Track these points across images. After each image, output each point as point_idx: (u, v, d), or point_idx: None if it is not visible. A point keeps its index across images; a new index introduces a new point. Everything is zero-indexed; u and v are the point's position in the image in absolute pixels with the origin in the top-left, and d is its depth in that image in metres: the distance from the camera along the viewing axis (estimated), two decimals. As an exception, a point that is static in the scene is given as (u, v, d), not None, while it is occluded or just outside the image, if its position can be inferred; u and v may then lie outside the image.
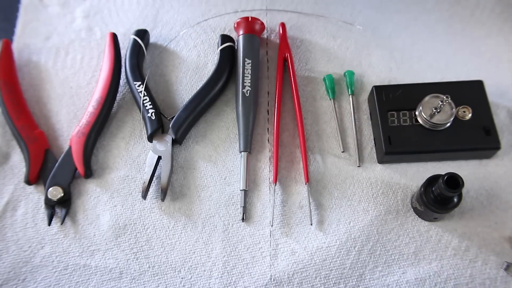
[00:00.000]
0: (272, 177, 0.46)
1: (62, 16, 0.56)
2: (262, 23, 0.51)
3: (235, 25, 0.51)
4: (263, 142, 0.48)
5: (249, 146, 0.46)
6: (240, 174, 0.46)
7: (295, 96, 0.48)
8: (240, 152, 0.46)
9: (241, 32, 0.51)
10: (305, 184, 0.45)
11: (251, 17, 0.51)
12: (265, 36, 0.53)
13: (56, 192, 0.45)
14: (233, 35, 0.52)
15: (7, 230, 0.45)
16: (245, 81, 0.48)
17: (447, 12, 0.54)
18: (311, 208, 0.44)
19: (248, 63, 0.49)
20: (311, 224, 0.44)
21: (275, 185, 0.45)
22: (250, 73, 0.49)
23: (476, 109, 0.45)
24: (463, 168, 0.46)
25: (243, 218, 0.44)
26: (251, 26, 0.50)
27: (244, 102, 0.47)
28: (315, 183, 0.45)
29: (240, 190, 0.45)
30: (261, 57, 0.52)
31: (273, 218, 0.44)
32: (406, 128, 0.45)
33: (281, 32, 0.52)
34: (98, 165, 0.47)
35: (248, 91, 0.48)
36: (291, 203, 0.45)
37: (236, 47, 0.51)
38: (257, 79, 0.49)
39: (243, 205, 0.44)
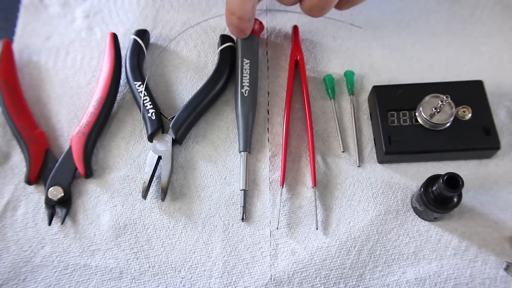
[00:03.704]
0: (271, 176, 0.46)
1: (62, 16, 0.56)
2: (261, 23, 0.51)
3: None
4: (263, 142, 0.48)
5: (249, 146, 0.46)
6: (240, 174, 0.46)
7: (305, 100, 0.48)
8: (240, 152, 0.46)
9: None
10: (312, 187, 0.45)
11: None
12: (265, 36, 0.53)
13: (56, 192, 0.45)
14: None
15: (8, 230, 0.45)
16: (243, 81, 0.48)
17: (447, 12, 0.54)
18: (311, 208, 0.44)
19: (246, 63, 0.49)
20: (317, 229, 0.43)
21: (282, 187, 0.45)
22: (248, 73, 0.49)
23: (476, 109, 0.45)
24: (463, 168, 0.46)
25: (243, 218, 0.44)
26: None
27: (242, 102, 0.47)
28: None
29: (240, 190, 0.45)
30: (261, 57, 0.52)
31: (278, 222, 0.44)
32: (406, 128, 0.45)
33: (293, 34, 0.52)
34: (98, 165, 0.47)
35: (247, 91, 0.48)
36: (291, 203, 0.45)
37: (236, 47, 0.51)
38: (255, 79, 0.49)
39: (243, 205, 0.44)
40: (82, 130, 0.46)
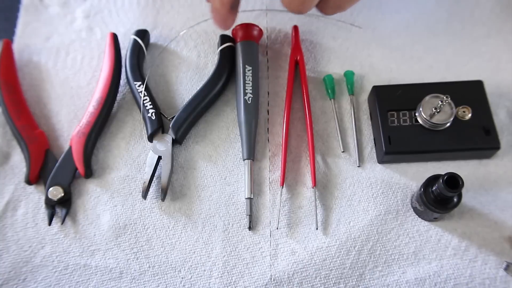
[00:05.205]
0: (271, 176, 0.46)
1: (62, 16, 0.56)
2: (260, 30, 0.51)
3: (233, 32, 0.51)
4: (263, 143, 0.48)
5: (253, 153, 0.46)
6: (244, 182, 0.45)
7: (305, 100, 0.48)
8: (244, 160, 0.46)
9: (239, 38, 0.51)
10: (312, 187, 0.45)
11: (249, 24, 0.50)
12: (265, 36, 0.53)
13: (56, 192, 0.45)
14: (233, 35, 0.53)
15: (8, 230, 0.45)
16: (246, 88, 0.48)
17: (447, 12, 0.54)
18: (311, 208, 0.44)
19: (248, 70, 0.48)
20: (317, 229, 0.43)
21: (282, 187, 0.45)
22: (251, 79, 0.48)
23: (476, 109, 0.45)
24: (463, 168, 0.46)
25: (250, 226, 0.44)
26: (249, 32, 0.50)
27: (246, 110, 0.47)
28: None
29: (246, 198, 0.44)
30: (261, 58, 0.52)
31: (278, 222, 0.44)
32: (406, 128, 0.45)
33: (293, 34, 0.52)
34: (99, 165, 0.47)
35: (250, 98, 0.47)
36: (291, 203, 0.45)
37: (235, 53, 0.51)
38: (257, 85, 0.48)
39: (249, 214, 0.44)
40: (82, 130, 0.46)
